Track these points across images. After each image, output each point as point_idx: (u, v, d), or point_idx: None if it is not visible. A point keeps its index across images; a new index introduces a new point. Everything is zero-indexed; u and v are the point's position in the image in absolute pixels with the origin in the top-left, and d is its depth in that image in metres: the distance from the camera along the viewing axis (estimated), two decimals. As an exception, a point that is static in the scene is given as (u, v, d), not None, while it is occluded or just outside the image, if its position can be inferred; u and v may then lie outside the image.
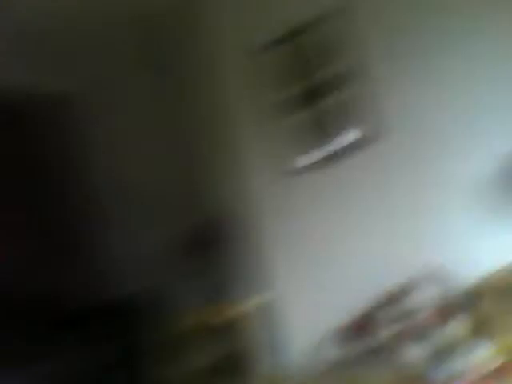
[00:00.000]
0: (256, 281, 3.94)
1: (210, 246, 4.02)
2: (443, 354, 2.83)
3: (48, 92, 4.50)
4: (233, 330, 3.71)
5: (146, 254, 4.45)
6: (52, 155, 4.81)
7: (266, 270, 3.86)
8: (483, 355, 2.68)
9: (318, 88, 3.57)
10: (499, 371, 2.58)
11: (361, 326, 3.32)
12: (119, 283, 4.44)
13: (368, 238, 3.51)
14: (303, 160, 3.64)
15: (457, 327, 2.92)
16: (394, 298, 3.30)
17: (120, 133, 4.59)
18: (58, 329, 3.78)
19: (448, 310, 3.02)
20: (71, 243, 4.67)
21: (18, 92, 4.41)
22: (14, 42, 4.13)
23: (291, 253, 3.76)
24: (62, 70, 4.43)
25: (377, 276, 3.41)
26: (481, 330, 2.86)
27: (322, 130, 3.58)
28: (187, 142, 4.38)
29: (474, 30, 3.33)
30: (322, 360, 3.50)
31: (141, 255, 4.48)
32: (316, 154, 3.61)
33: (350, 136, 3.53)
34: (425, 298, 3.08)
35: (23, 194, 4.46)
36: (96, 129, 4.65)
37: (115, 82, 4.55)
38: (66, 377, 3.44)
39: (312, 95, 3.59)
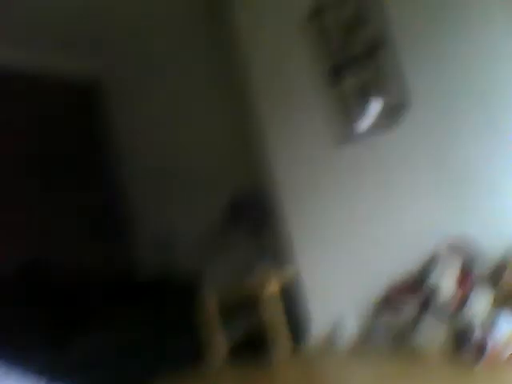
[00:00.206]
0: (283, 256, 3.99)
1: (246, 220, 4.04)
2: (468, 327, 2.80)
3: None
4: (261, 304, 3.75)
5: (193, 229, 4.63)
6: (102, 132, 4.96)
7: (292, 245, 3.91)
8: (508, 328, 2.65)
9: (352, 60, 3.59)
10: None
11: (389, 299, 3.29)
12: (167, 259, 4.69)
13: (392, 213, 3.49)
14: (345, 129, 3.62)
15: (481, 300, 2.88)
16: (418, 273, 3.27)
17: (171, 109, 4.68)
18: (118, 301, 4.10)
19: (472, 282, 2.99)
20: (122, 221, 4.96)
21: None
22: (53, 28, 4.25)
23: (315, 228, 3.80)
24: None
25: (402, 249, 3.40)
26: (505, 302, 2.82)
27: (358, 101, 3.57)
28: (234, 117, 4.42)
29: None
30: (346, 334, 3.51)
31: (187, 231, 4.67)
32: (359, 123, 3.58)
33: (378, 108, 3.50)
34: (450, 270, 3.03)
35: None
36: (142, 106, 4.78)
37: (166, 57, 4.66)
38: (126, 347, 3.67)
39: (348, 66, 3.61)
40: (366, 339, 3.41)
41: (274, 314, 3.65)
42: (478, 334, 2.72)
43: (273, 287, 3.70)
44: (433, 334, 2.99)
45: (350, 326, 3.56)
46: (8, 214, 4.18)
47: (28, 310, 3.71)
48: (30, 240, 4.26)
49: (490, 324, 2.72)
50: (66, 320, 3.65)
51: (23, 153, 4.46)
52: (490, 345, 2.62)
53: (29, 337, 3.32)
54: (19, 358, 2.39)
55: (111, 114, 5.26)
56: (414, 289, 3.26)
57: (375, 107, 3.53)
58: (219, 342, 3.95)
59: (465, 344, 2.74)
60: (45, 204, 4.49)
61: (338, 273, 3.71)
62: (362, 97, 3.57)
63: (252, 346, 3.90)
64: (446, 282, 3.03)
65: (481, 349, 2.64)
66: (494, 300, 2.88)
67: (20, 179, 4.36)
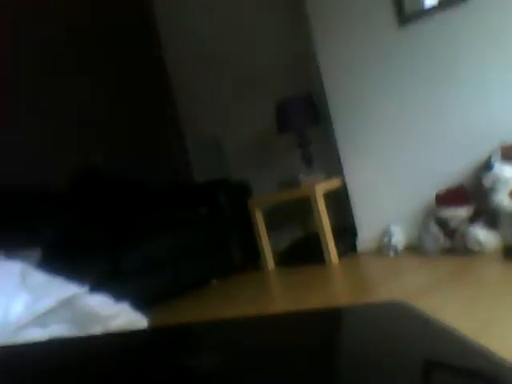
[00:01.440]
0: (332, 161, 3.95)
1: (293, 125, 3.96)
2: None
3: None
4: (310, 212, 3.78)
5: (242, 135, 4.63)
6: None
7: (341, 149, 3.84)
8: None
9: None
10: None
11: (441, 204, 3.21)
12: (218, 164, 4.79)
13: (447, 108, 3.32)
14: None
15: None
16: (471, 177, 3.19)
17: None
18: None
19: None
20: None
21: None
22: None
23: (366, 126, 3.69)
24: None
25: (456, 150, 3.29)
26: None
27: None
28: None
29: None
30: (396, 240, 3.49)
31: (236, 137, 4.67)
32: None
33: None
34: (503, 175, 2.89)
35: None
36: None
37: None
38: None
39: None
40: (417, 246, 3.39)
41: (321, 221, 3.66)
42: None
43: (319, 194, 3.68)
44: (486, 238, 2.94)
45: (400, 233, 3.53)
46: (59, 121, 4.25)
47: (83, 220, 3.87)
48: (85, 149, 4.35)
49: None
50: (119, 228, 3.78)
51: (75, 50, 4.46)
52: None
53: (83, 246, 3.48)
54: (72, 265, 2.52)
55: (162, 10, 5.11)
56: (467, 194, 3.17)
57: None
58: (269, 248, 4.02)
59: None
60: (100, 107, 4.54)
61: (388, 178, 3.64)
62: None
63: (302, 252, 3.97)
64: (502, 186, 2.92)
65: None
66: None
67: (71, 76, 4.38)
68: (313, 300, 2.85)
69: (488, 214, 3.07)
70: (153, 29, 5.10)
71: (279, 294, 3.60)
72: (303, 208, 4.00)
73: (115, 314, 1.38)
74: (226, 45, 4.62)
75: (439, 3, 3.30)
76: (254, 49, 4.46)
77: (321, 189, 3.70)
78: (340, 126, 3.80)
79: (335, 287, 3.39)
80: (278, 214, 4.26)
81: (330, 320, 0.86)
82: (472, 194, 3.17)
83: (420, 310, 0.77)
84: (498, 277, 2.71)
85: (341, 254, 3.70)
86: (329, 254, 3.66)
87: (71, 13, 4.47)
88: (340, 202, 3.89)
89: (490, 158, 3.01)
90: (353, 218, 3.83)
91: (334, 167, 3.90)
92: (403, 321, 0.78)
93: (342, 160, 3.84)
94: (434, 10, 3.32)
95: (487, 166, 3.01)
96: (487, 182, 2.98)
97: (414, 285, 2.79)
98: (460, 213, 3.14)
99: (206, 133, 4.92)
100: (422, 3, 3.38)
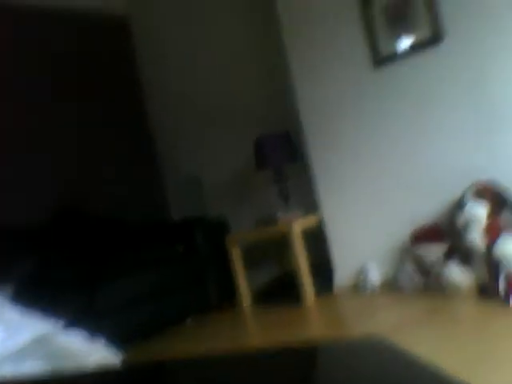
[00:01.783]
0: (308, 200, 3.97)
1: (271, 162, 4.01)
2: (497, 267, 2.78)
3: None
4: (288, 249, 3.78)
5: (220, 174, 4.69)
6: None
7: (317, 188, 3.88)
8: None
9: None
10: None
11: (416, 243, 3.27)
12: (196, 202, 4.80)
13: (421, 151, 3.40)
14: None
15: (510, 243, 2.83)
16: (445, 216, 3.22)
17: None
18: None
19: (501, 226, 2.93)
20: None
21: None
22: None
23: (341, 168, 3.75)
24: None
25: (430, 190, 3.34)
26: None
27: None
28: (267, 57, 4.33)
29: None
30: (372, 278, 3.52)
31: (215, 176, 4.73)
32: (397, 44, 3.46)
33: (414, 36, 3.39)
34: (476, 214, 2.96)
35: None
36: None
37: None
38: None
39: None
40: (392, 283, 3.41)
41: (299, 258, 3.66)
42: (508, 272, 2.70)
43: (297, 231, 3.70)
44: (460, 276, 2.98)
45: (376, 270, 3.56)
46: (37, 159, 4.23)
47: (59, 257, 3.82)
48: (61, 186, 4.32)
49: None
50: (95, 264, 3.73)
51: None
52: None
53: (59, 282, 3.42)
54: (48, 302, 2.47)
55: (141, 50, 5.19)
56: (442, 232, 3.22)
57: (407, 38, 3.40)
58: (246, 286, 4.00)
59: (495, 283, 2.71)
60: (73, 149, 4.53)
61: (364, 216, 3.68)
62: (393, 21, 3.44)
63: (279, 290, 3.96)
64: (475, 225, 2.97)
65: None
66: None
67: (49, 113, 4.38)
68: (290, 338, 2.84)
69: (462, 252, 3.11)
70: (133, 69, 5.15)
71: (256, 333, 3.56)
72: (281, 245, 4.01)
73: (90, 351, 1.36)
74: (206, 84, 4.69)
75: (412, 47, 3.41)
76: (232, 88, 4.53)
77: (298, 226, 3.72)
78: (316, 163, 3.85)
79: (312, 325, 3.38)
80: (255, 252, 4.25)
81: (308, 356, 0.86)
82: (446, 232, 3.22)
83: (397, 345, 0.78)
84: (473, 314, 2.74)
85: (318, 292, 3.70)
86: (306, 292, 3.65)
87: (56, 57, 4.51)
88: (317, 239, 3.91)
89: (462, 196, 3.08)
90: (329, 255, 3.85)
91: (311, 204, 3.94)
92: (382, 356, 0.79)
93: (318, 197, 3.88)
94: (407, 53, 3.43)
95: (460, 204, 3.07)
96: (460, 220, 3.04)
97: (390, 322, 2.79)
98: (435, 251, 3.18)
99: (183, 170, 4.94)
100: (396, 46, 3.49)
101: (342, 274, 3.78)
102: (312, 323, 3.44)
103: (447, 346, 2.20)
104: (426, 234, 3.24)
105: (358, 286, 3.59)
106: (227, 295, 4.08)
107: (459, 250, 3.13)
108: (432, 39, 3.30)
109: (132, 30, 5.16)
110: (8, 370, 1.14)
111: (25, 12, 4.32)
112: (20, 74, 4.28)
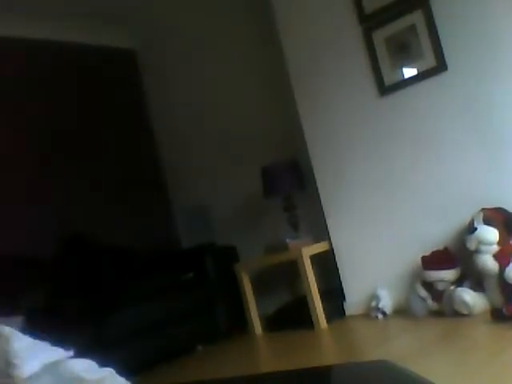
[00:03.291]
0: (317, 227, 3.97)
1: (279, 190, 4.02)
2: (508, 292, 2.78)
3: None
4: (297, 276, 3.76)
5: (228, 202, 4.71)
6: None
7: (327, 215, 3.87)
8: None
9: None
10: None
11: (427, 268, 3.23)
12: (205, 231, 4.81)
13: (431, 175, 3.40)
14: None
15: None
16: (456, 240, 3.22)
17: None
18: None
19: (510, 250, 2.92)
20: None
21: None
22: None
23: (350, 195, 3.75)
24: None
25: (441, 214, 3.34)
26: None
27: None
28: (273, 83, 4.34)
29: None
30: (383, 304, 3.48)
31: (223, 204, 4.75)
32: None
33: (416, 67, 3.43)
34: (487, 238, 2.95)
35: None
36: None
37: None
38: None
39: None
40: (404, 309, 3.38)
41: (309, 284, 3.64)
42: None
43: (306, 256, 3.68)
44: (473, 300, 2.95)
45: (388, 296, 3.52)
46: (48, 188, 4.28)
47: (69, 286, 3.82)
48: (71, 215, 4.35)
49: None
50: (105, 294, 3.73)
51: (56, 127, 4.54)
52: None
53: (69, 312, 3.42)
54: (58, 331, 2.48)
55: (148, 81, 5.27)
56: (452, 256, 3.20)
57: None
58: (256, 313, 3.98)
59: (508, 307, 2.68)
60: (82, 178, 4.58)
61: (374, 242, 3.66)
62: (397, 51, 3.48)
63: (289, 316, 3.93)
64: (486, 249, 2.96)
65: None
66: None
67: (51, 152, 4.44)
68: (301, 366, 2.80)
69: (474, 276, 3.09)
70: (141, 98, 5.23)
71: (267, 360, 3.53)
72: (290, 272, 3.99)
73: (100, 379, 1.35)
74: (214, 112, 4.74)
75: (417, 74, 3.44)
76: (240, 116, 4.58)
77: (307, 252, 3.71)
78: (325, 190, 3.86)
79: (324, 352, 3.34)
80: (265, 278, 4.24)
81: (319, 379, 0.86)
82: (457, 256, 3.20)
83: (406, 367, 0.78)
84: (487, 339, 2.70)
85: (329, 318, 3.67)
86: (317, 318, 3.63)
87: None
88: (327, 265, 3.90)
89: (472, 220, 3.07)
90: (340, 281, 3.83)
91: (321, 230, 3.93)
92: (391, 380, 0.79)
93: (327, 223, 3.87)
94: (412, 79, 3.46)
95: (470, 228, 3.06)
96: (471, 244, 3.02)
97: (403, 348, 2.76)
98: (446, 275, 3.15)
99: (192, 198, 4.96)
100: (402, 74, 3.52)
101: (353, 300, 3.76)
102: (324, 349, 3.40)
103: (461, 371, 2.16)
104: (436, 259, 3.22)
105: (370, 312, 3.55)
106: (238, 322, 4.05)
107: (471, 275, 3.11)
108: (437, 68, 3.33)
109: (138, 61, 5.26)
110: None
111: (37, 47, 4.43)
112: (34, 100, 4.38)
